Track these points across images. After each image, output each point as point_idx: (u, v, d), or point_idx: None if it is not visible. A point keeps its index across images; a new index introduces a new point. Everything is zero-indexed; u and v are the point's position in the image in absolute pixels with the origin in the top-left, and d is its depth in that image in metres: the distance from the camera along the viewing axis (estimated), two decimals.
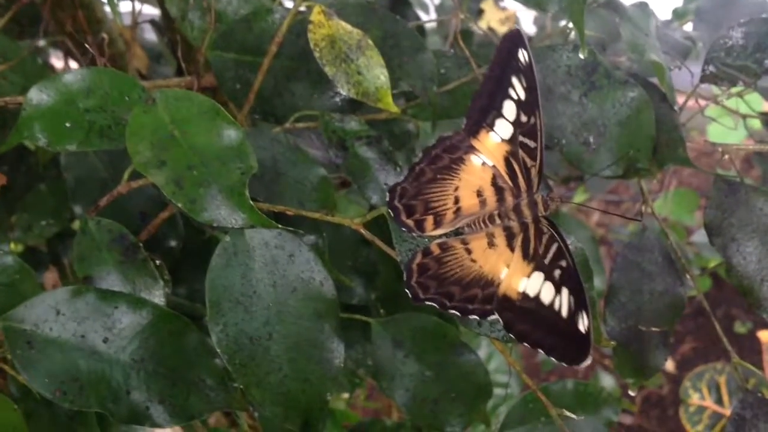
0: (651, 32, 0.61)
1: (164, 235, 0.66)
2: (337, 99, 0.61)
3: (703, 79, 0.63)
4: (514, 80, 0.50)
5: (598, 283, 1.24)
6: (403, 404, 0.63)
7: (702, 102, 0.69)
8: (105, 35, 0.74)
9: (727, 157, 0.63)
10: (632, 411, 1.99)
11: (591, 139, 0.58)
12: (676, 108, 0.62)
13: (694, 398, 1.57)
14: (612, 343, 0.52)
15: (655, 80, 0.63)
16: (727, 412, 1.51)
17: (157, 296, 0.54)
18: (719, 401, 1.55)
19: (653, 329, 0.62)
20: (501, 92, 0.50)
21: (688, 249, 1.75)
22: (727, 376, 1.56)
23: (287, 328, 0.48)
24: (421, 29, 0.86)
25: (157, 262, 0.58)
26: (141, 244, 0.56)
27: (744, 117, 0.86)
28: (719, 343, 0.62)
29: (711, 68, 0.63)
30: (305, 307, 0.48)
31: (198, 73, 0.65)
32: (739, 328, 2.12)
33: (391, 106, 0.55)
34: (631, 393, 0.66)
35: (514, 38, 0.50)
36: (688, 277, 0.65)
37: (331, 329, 0.48)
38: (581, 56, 0.56)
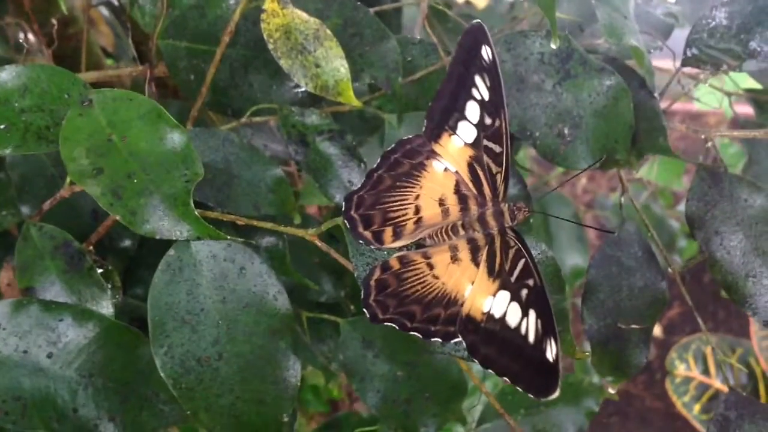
0: (629, 13, 0.58)
1: (118, 234, 0.63)
2: (298, 91, 0.57)
3: (685, 62, 0.60)
4: (477, 79, 0.46)
5: (581, 261, 1.22)
6: (373, 406, 0.60)
7: (687, 79, 0.66)
8: (54, 21, 0.70)
9: (710, 144, 0.60)
10: None
11: (566, 131, 0.55)
12: (656, 94, 0.58)
13: (681, 369, 1.56)
14: (586, 353, 0.49)
15: (634, 63, 0.60)
16: (714, 382, 1.51)
17: (105, 307, 0.51)
18: (705, 372, 1.54)
19: (633, 326, 0.59)
20: (463, 92, 0.47)
21: (675, 217, 1.73)
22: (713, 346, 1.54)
23: (238, 346, 0.44)
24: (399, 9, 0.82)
25: (108, 267, 0.54)
26: (88, 251, 0.52)
27: (729, 95, 0.83)
28: (707, 307, 0.59)
29: (693, 51, 0.59)
30: (258, 324, 0.45)
31: (151, 62, 0.61)
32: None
33: (352, 99, 0.51)
34: (611, 390, 0.63)
35: (477, 33, 0.46)
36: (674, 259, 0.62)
37: (287, 346, 0.45)
38: (553, 47, 0.52)
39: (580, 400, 0.79)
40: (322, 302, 0.67)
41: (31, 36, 0.81)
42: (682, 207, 1.77)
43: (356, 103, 0.51)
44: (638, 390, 1.97)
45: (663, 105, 0.61)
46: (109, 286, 0.54)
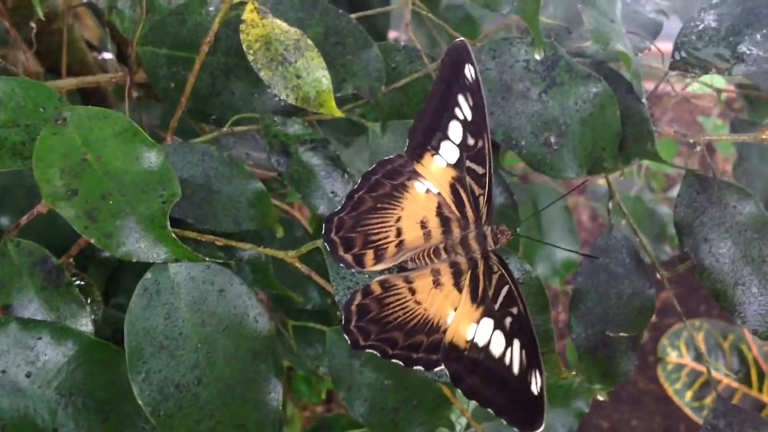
0: (617, 16, 0.57)
1: None
2: (280, 99, 0.56)
3: (673, 65, 0.59)
4: (461, 98, 0.45)
5: (572, 253, 1.21)
6: (361, 415, 0.60)
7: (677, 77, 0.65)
8: (33, 25, 0.68)
9: (699, 149, 0.59)
10: None
11: (552, 140, 0.54)
12: (644, 100, 0.57)
13: (672, 356, 1.56)
14: (572, 374, 0.48)
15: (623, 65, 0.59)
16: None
17: (84, 324, 0.50)
18: (697, 359, 1.54)
19: (622, 334, 0.58)
20: (446, 112, 0.46)
21: (667, 202, 1.72)
22: (705, 333, 1.54)
23: (218, 371, 0.43)
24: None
25: (88, 280, 0.54)
26: (67, 265, 0.51)
27: (719, 92, 0.83)
28: (700, 289, 0.59)
29: (682, 54, 0.58)
30: (238, 347, 0.44)
31: (131, 69, 0.60)
32: None
33: (334, 110, 0.50)
34: (600, 398, 0.63)
35: (460, 52, 0.45)
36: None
37: (268, 369, 0.44)
38: (537, 57, 0.51)
39: (570, 401, 0.79)
40: (309, 309, 0.66)
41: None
42: (672, 192, 1.77)
43: (338, 113, 0.50)
44: (632, 373, 1.96)
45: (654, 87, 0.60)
46: (89, 301, 0.53)
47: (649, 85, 0.62)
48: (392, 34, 1.05)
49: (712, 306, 1.94)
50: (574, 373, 0.48)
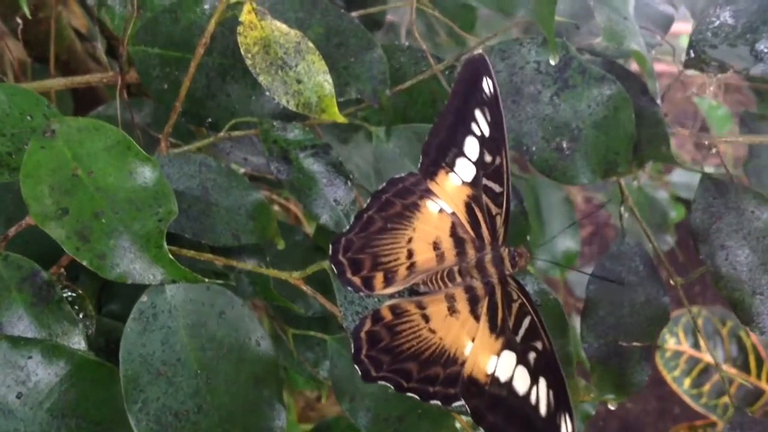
0: (630, 14, 0.54)
1: None
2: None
3: (688, 64, 0.56)
4: (478, 114, 0.43)
5: (573, 244, 1.19)
6: (364, 426, 0.58)
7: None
8: (20, 20, 0.65)
9: (715, 150, 0.57)
10: None
11: (564, 145, 0.51)
12: (658, 100, 0.55)
13: (671, 343, 1.55)
14: (591, 396, 0.46)
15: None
16: (704, 356, 1.50)
17: (77, 341, 0.47)
18: (696, 345, 1.53)
19: (635, 344, 0.56)
20: (462, 127, 0.43)
21: (664, 185, 1.70)
22: (703, 319, 1.53)
23: (219, 397, 0.41)
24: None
25: (79, 292, 0.51)
26: (58, 278, 0.49)
27: (721, 86, 0.80)
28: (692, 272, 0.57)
29: (697, 52, 0.56)
30: (240, 372, 0.42)
31: (122, 69, 0.57)
32: None
33: (337, 116, 0.47)
34: (611, 407, 0.61)
35: (478, 65, 0.43)
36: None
37: (271, 393, 0.42)
38: (552, 62, 0.49)
39: (576, 403, 0.77)
40: (310, 316, 0.64)
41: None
42: (673, 177, 1.75)
43: (342, 119, 0.48)
44: None
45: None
46: (81, 315, 0.51)
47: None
48: (390, 17, 1.02)
49: (706, 287, 1.93)
50: (593, 395, 0.46)
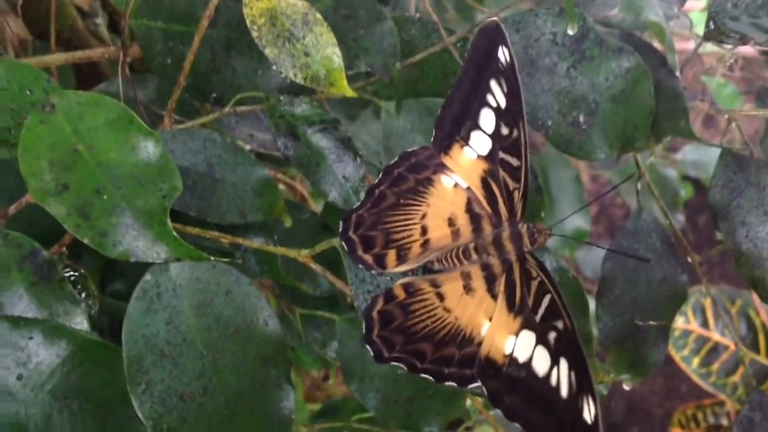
0: None
1: None
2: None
3: (707, 36, 0.54)
4: (493, 84, 0.41)
5: (583, 223, 1.18)
6: (374, 407, 0.57)
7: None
8: None
9: (734, 125, 0.56)
10: None
11: (581, 119, 0.50)
12: (677, 73, 0.53)
13: (679, 322, 1.54)
14: (611, 376, 0.44)
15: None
16: (713, 335, 1.49)
17: (79, 321, 0.46)
18: (704, 324, 1.51)
19: (651, 323, 0.55)
20: (477, 99, 0.42)
21: (671, 163, 1.69)
22: (713, 298, 1.52)
23: (226, 378, 0.40)
24: None
25: (82, 272, 0.50)
26: (59, 257, 0.48)
27: (736, 61, 0.78)
28: (702, 250, 0.56)
29: (716, 23, 0.54)
30: (247, 352, 0.40)
31: (124, 44, 0.55)
32: None
33: (346, 90, 0.46)
34: (626, 387, 0.60)
35: (492, 33, 0.41)
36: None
37: (279, 374, 0.41)
38: (570, 32, 0.47)
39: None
40: (318, 295, 0.63)
41: None
42: (680, 155, 1.73)
43: (351, 93, 0.46)
44: None
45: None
46: (84, 295, 0.49)
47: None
48: None
49: (713, 265, 1.92)
50: (612, 375, 0.45)
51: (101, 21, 0.84)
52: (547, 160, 1.13)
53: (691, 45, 0.62)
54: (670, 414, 1.55)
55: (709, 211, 0.53)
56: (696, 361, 1.48)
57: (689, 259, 0.57)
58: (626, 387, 0.59)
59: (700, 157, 1.64)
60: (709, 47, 0.72)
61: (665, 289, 0.55)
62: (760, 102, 0.69)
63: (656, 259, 0.56)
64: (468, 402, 0.60)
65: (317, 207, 0.82)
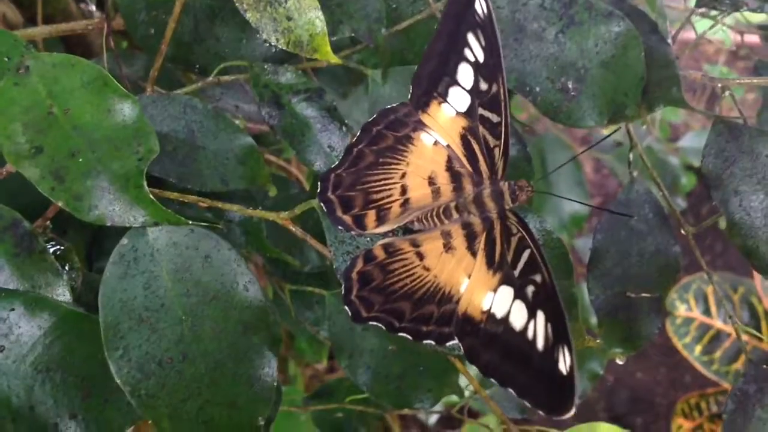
0: None
1: None
2: (271, 45, 0.51)
3: (700, 2, 0.54)
4: (471, 38, 0.40)
5: (580, 207, 1.17)
6: (364, 383, 0.56)
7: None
8: None
9: (727, 93, 0.55)
10: None
11: (570, 85, 0.49)
12: (669, 40, 0.52)
13: (681, 310, 1.53)
14: (597, 341, 0.43)
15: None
16: (715, 322, 1.48)
17: (61, 293, 0.46)
18: (706, 312, 1.51)
19: (643, 295, 0.54)
20: (455, 53, 0.41)
21: (673, 151, 1.68)
22: (714, 285, 1.51)
23: (205, 345, 0.39)
24: None
25: (65, 245, 0.49)
26: (41, 230, 0.47)
27: (742, 33, 0.77)
28: (705, 239, 0.55)
29: None
30: (227, 319, 0.40)
31: (108, 15, 0.55)
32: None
33: (330, 55, 0.45)
34: (619, 361, 0.59)
35: None
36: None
37: (261, 341, 0.40)
38: None
39: (583, 362, 0.75)
40: (307, 272, 0.62)
41: None
42: (681, 143, 1.72)
43: (334, 59, 0.46)
44: None
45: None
46: (67, 268, 0.49)
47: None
48: None
49: (716, 255, 1.91)
50: (599, 340, 0.44)
51: (92, 5, 0.84)
52: (544, 143, 1.13)
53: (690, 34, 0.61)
54: (673, 404, 1.54)
55: (703, 179, 0.52)
56: (698, 348, 1.48)
57: (683, 231, 0.56)
58: (619, 361, 0.59)
59: (700, 144, 1.63)
60: (710, 36, 0.72)
61: (658, 261, 0.55)
62: (757, 74, 0.68)
63: (648, 231, 0.55)
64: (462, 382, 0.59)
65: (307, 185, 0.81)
